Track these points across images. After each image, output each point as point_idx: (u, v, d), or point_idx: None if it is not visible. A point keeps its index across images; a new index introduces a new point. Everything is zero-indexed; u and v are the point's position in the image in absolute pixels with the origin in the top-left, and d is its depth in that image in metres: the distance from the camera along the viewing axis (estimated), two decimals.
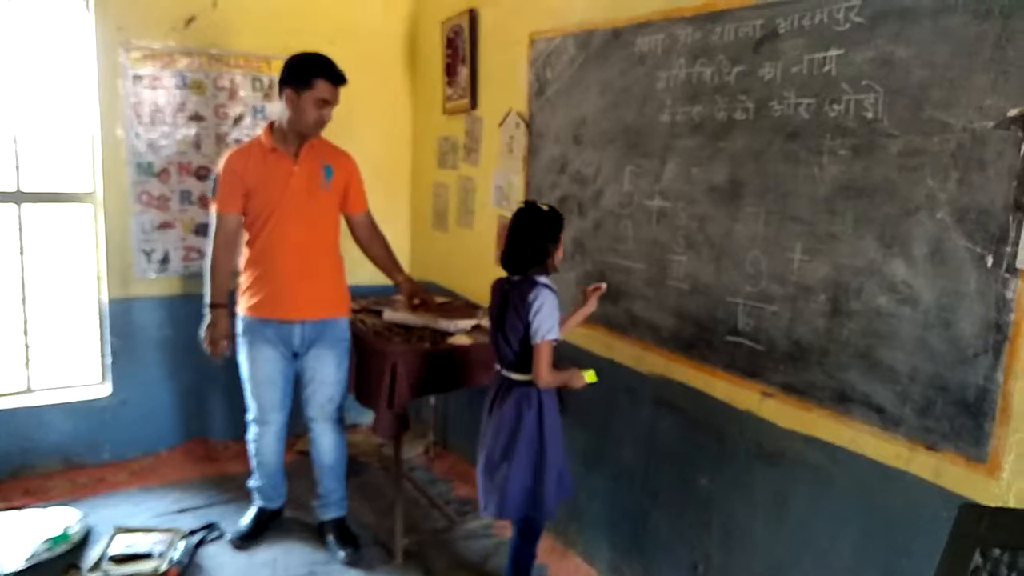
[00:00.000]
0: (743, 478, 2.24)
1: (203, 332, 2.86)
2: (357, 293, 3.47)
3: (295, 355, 2.93)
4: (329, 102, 2.74)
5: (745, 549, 2.25)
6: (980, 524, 1.33)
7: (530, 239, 2.30)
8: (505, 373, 2.40)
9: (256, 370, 2.91)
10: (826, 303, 1.94)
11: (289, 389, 3.00)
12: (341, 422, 3.05)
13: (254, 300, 2.84)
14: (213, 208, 2.84)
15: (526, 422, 2.34)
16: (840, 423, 1.93)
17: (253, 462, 3.08)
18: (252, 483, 3.13)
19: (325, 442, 3.01)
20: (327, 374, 2.92)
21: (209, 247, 2.87)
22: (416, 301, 3.17)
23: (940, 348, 1.70)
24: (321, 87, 2.69)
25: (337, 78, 2.74)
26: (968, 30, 1.60)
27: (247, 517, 3.13)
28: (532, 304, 2.24)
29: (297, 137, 2.79)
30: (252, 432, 3.03)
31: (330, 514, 3.08)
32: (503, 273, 2.41)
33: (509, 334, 2.33)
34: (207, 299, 2.86)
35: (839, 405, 1.93)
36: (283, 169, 2.78)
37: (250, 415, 3.02)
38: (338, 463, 3.05)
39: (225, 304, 2.87)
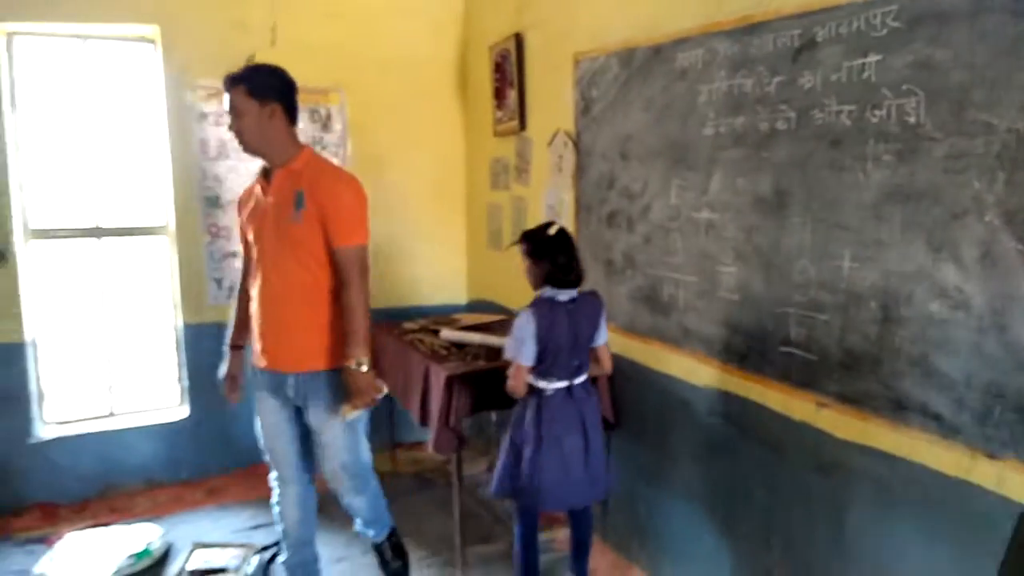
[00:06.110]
0: (801, 490, 2.21)
1: (220, 374, 2.67)
2: (416, 313, 3.56)
3: (298, 409, 2.53)
4: (230, 111, 2.39)
5: (806, 563, 2.21)
6: None
7: (576, 256, 2.51)
8: (570, 383, 2.52)
9: (261, 422, 2.61)
10: (877, 310, 1.91)
11: (301, 446, 2.59)
12: (366, 486, 2.60)
13: (254, 346, 2.54)
14: None
15: (598, 412, 2.62)
16: (897, 432, 1.90)
17: (278, 529, 2.70)
18: (281, 559, 2.74)
19: (353, 505, 2.62)
20: (331, 437, 2.47)
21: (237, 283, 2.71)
22: (347, 407, 2.38)
23: (996, 353, 1.66)
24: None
25: (225, 83, 2.41)
26: (1007, 30, 1.57)
27: None
28: (602, 311, 2.57)
29: (264, 161, 2.47)
30: (273, 495, 2.67)
31: (372, 538, 2.72)
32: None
33: (586, 345, 2.54)
34: (226, 338, 2.68)
35: (895, 414, 1.89)
36: (261, 202, 2.45)
37: (271, 474, 2.68)
38: (368, 510, 2.64)
39: (238, 345, 2.65)
